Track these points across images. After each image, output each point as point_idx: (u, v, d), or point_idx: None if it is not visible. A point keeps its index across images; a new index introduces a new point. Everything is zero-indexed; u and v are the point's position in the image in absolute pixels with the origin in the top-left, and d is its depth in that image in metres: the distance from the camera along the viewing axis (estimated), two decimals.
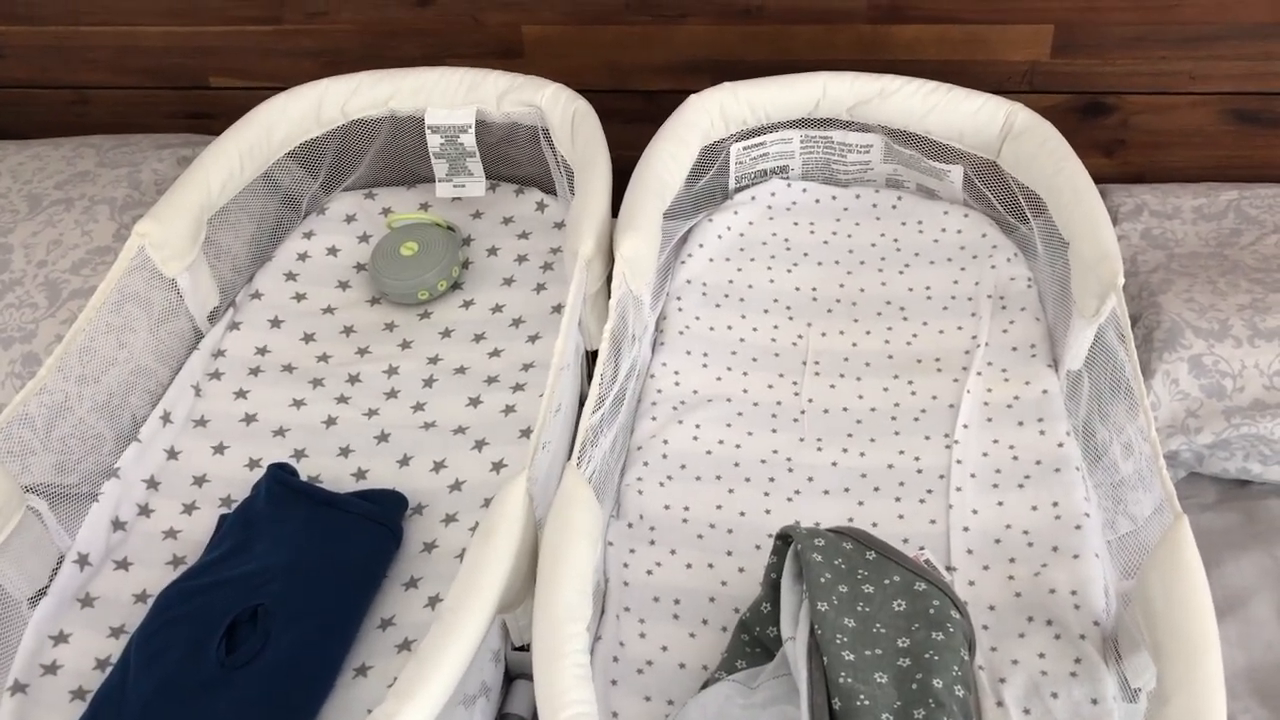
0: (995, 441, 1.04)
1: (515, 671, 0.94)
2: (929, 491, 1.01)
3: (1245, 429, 1.07)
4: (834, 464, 1.04)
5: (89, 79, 1.50)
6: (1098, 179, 1.11)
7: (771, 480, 1.03)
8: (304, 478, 1.06)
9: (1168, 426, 1.10)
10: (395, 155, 1.31)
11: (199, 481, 1.08)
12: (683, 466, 1.05)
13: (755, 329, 1.17)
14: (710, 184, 1.26)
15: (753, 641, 0.87)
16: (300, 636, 0.92)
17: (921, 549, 0.89)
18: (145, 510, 1.06)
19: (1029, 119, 1.17)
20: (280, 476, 1.03)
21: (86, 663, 0.94)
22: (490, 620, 0.82)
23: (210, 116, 1.50)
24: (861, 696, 0.76)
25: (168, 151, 1.40)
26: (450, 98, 1.26)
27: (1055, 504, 0.98)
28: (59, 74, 1.50)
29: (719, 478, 1.04)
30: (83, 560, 1.00)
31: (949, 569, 0.95)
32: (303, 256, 1.28)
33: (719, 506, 1.02)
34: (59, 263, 1.26)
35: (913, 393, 1.09)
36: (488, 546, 0.84)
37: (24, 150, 1.42)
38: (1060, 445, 1.02)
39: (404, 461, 1.08)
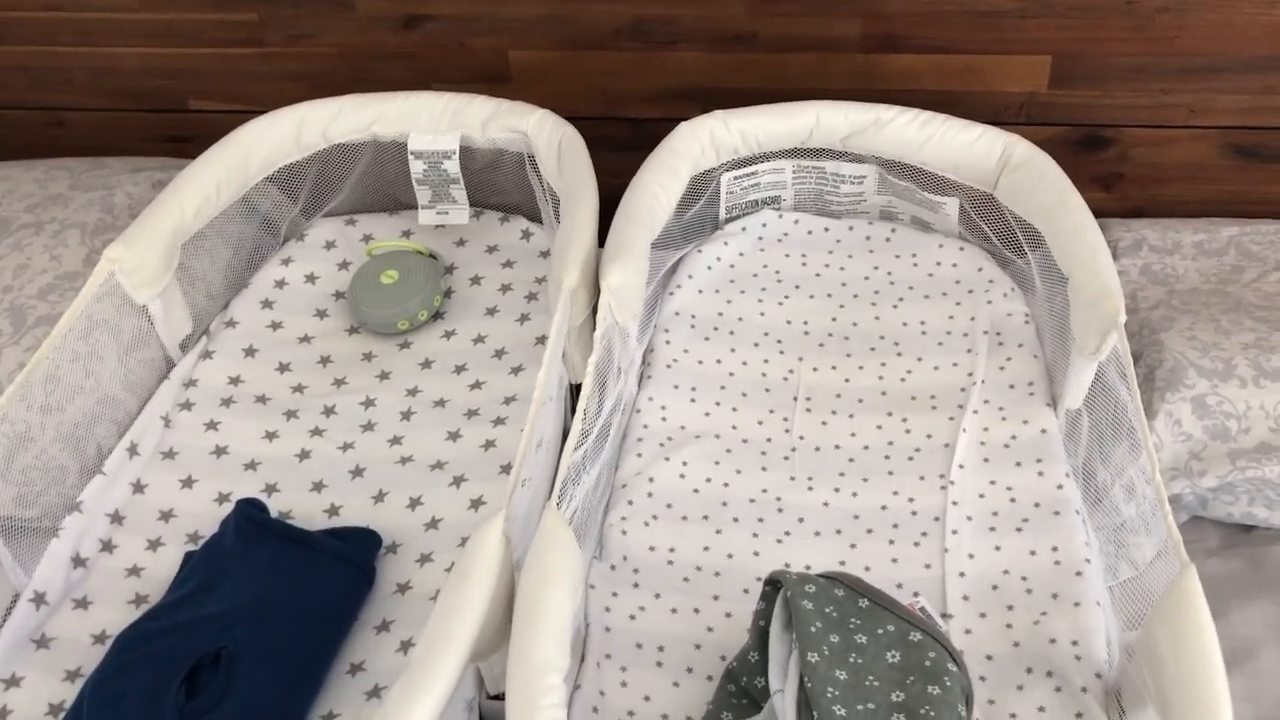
0: (992, 483, 1.00)
1: None
2: (924, 534, 0.97)
3: (1250, 472, 1.04)
4: (825, 504, 1.01)
5: (65, 100, 1.46)
6: (1096, 213, 1.08)
7: (761, 521, 1.00)
8: (275, 514, 1.02)
9: (1170, 469, 1.07)
10: (377, 181, 1.28)
11: (165, 516, 1.04)
12: (668, 506, 1.01)
13: (745, 363, 1.13)
14: (700, 214, 1.23)
15: (739, 692, 0.83)
16: (265, 682, 0.87)
17: (916, 595, 0.85)
18: (108, 546, 1.01)
19: (1027, 151, 1.14)
20: (249, 513, 0.99)
21: (39, 708, 0.90)
22: (462, 670, 0.78)
23: (189, 140, 1.47)
24: None
25: (143, 175, 1.36)
26: (434, 123, 1.23)
27: (1055, 549, 0.94)
28: (34, 95, 1.46)
29: (706, 518, 1.00)
30: (39, 599, 0.96)
31: (944, 616, 0.91)
32: (280, 284, 1.25)
33: (706, 548, 0.98)
34: (25, 288, 1.22)
35: (907, 431, 1.06)
36: (461, 591, 0.80)
37: None
38: (1060, 487, 0.99)
39: (379, 498, 1.04)
